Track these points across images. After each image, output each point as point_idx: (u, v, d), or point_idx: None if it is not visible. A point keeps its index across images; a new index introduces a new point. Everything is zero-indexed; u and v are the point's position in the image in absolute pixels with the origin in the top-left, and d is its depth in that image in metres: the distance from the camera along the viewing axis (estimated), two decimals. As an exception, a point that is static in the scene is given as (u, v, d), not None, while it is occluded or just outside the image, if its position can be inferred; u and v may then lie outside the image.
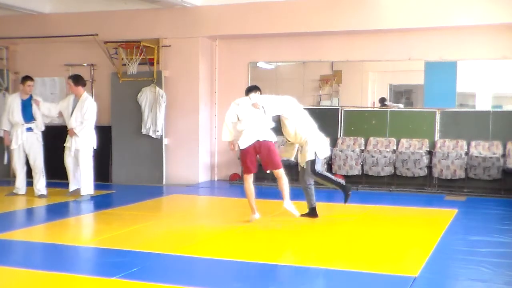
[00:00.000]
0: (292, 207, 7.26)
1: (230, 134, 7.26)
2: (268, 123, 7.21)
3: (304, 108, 11.63)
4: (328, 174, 7.69)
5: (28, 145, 9.39)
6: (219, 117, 11.36)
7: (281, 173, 7.22)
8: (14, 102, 9.36)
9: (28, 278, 5.08)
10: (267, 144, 7.12)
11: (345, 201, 7.50)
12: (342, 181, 7.70)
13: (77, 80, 9.15)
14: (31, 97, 9.43)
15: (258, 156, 7.25)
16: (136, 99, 11.30)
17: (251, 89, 7.47)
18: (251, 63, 11.65)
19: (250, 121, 7.12)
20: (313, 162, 7.40)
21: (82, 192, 9.09)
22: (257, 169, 7.35)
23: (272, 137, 7.23)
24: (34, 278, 5.08)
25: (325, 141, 7.82)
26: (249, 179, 7.21)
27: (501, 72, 10.37)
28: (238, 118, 7.19)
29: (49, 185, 9.66)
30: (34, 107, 9.38)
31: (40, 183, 9.40)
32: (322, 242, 6.53)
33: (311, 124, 7.58)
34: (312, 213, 7.59)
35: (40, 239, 6.63)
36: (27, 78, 9.47)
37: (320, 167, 7.50)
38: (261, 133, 7.12)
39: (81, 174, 9.11)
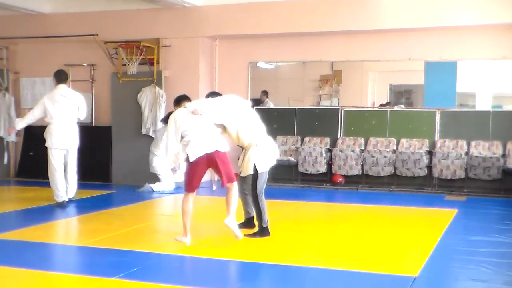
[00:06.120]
0: (235, 226, 6.15)
1: (177, 159, 6.31)
2: (216, 130, 6.24)
3: (304, 108, 11.63)
4: (264, 209, 6.44)
5: None
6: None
7: (235, 185, 6.23)
8: None
9: (28, 278, 5.08)
10: (221, 155, 6.14)
11: (252, 235, 6.47)
12: (266, 223, 6.48)
13: None
14: None
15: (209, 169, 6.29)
16: (136, 99, 11.29)
17: (181, 99, 6.44)
18: (251, 63, 11.64)
19: (197, 131, 6.07)
20: (254, 179, 6.39)
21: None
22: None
23: (225, 147, 6.22)
24: (34, 278, 5.08)
25: (272, 148, 6.62)
26: (191, 198, 6.20)
27: (501, 72, 10.37)
28: (181, 135, 6.10)
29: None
30: None
31: None
32: (322, 242, 6.53)
33: (257, 127, 6.50)
34: (248, 223, 6.79)
35: (40, 239, 6.62)
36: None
37: (261, 188, 6.42)
38: (212, 143, 6.11)
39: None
